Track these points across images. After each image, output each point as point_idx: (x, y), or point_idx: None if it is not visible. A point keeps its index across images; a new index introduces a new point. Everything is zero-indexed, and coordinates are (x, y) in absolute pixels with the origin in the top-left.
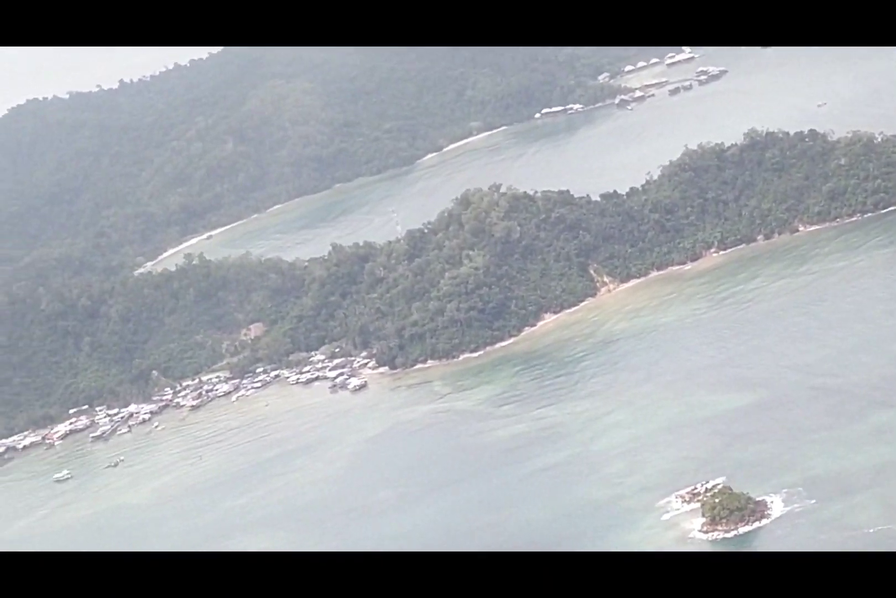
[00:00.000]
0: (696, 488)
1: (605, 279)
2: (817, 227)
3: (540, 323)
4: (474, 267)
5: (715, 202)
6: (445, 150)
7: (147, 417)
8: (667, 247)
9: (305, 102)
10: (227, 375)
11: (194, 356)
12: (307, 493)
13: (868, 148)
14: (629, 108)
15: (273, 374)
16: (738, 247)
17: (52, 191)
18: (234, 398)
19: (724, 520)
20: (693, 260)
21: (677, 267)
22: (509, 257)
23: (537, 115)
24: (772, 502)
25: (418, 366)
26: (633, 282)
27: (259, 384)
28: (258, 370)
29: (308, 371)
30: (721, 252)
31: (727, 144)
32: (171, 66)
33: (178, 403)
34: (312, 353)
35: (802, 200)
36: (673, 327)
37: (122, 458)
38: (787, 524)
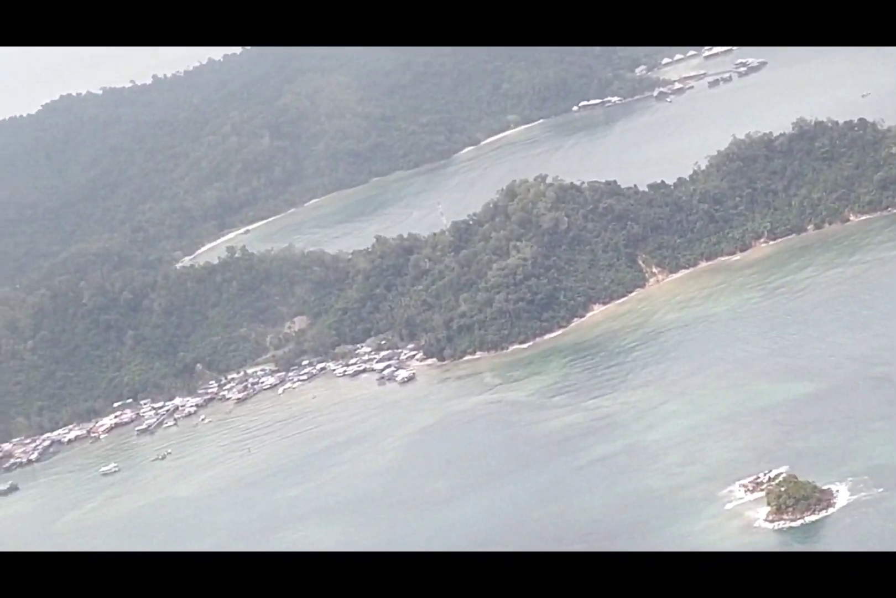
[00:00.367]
0: (758, 478)
1: (654, 270)
2: (868, 216)
3: (589, 314)
4: (522, 258)
5: (764, 192)
6: (482, 143)
7: (193, 410)
8: (716, 237)
9: (341, 96)
10: (273, 367)
11: (238, 349)
12: (360, 484)
13: None
14: (668, 100)
15: (319, 366)
16: (788, 237)
17: (87, 187)
18: (280, 391)
19: (789, 509)
20: (742, 250)
21: (726, 257)
22: (557, 248)
23: (575, 108)
24: (837, 491)
25: (467, 357)
26: (681, 272)
27: (305, 377)
28: (304, 363)
29: (354, 364)
30: (771, 242)
31: (774, 134)
32: (204, 62)
33: (223, 396)
34: (358, 345)
35: (853, 190)
36: (724, 318)
37: (169, 451)
38: (854, 513)
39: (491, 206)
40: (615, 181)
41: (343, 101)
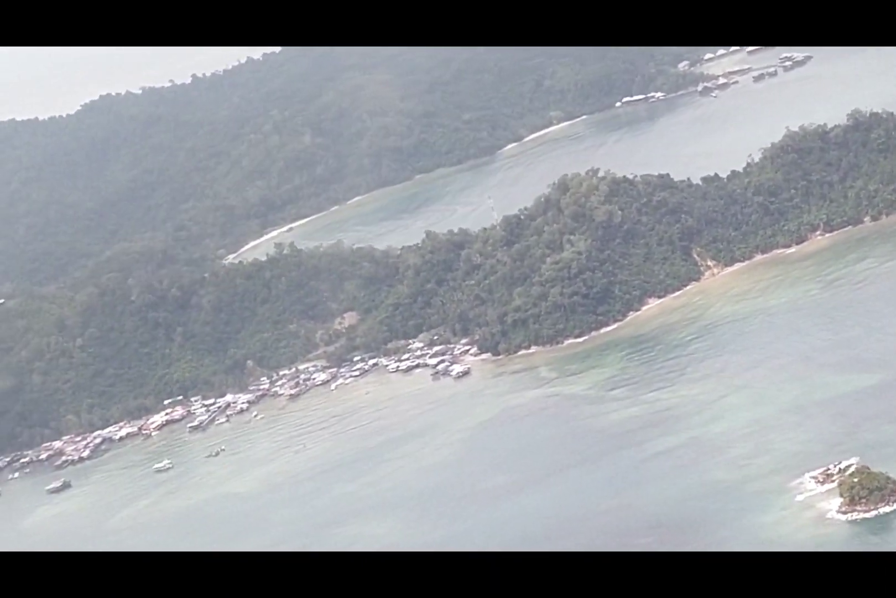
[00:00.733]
0: (828, 469)
1: (709, 263)
2: None
3: (644, 307)
4: (577, 252)
5: (819, 184)
6: (526, 139)
7: (245, 406)
8: (771, 230)
9: (383, 93)
10: (324, 364)
11: (288, 346)
12: (418, 479)
13: None
14: (713, 95)
15: (371, 362)
16: (845, 229)
17: (127, 186)
18: (332, 387)
19: (863, 500)
20: (798, 243)
21: (782, 250)
22: (611, 242)
23: (618, 103)
24: None
25: (522, 352)
26: (737, 265)
27: (357, 373)
28: (356, 359)
29: (407, 359)
30: (827, 234)
31: (828, 127)
32: (243, 61)
33: (275, 392)
34: (410, 341)
35: None
36: (782, 310)
37: (223, 447)
38: None
39: (542, 200)
40: (668, 174)
41: (385, 98)
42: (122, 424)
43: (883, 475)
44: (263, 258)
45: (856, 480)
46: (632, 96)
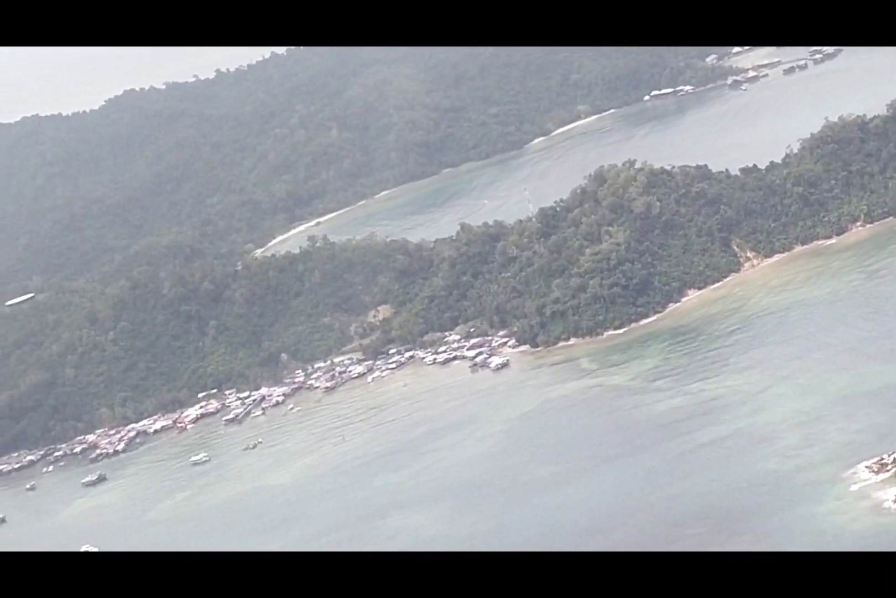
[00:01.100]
0: (882, 459)
1: (749, 254)
2: None
3: (684, 299)
4: (615, 243)
5: (860, 175)
6: (553, 133)
7: (280, 399)
8: (811, 221)
9: (409, 87)
10: (359, 356)
11: (323, 339)
12: (462, 470)
13: None
14: (743, 88)
15: (407, 355)
16: (886, 220)
17: (152, 181)
18: (369, 379)
19: None
20: (838, 234)
21: (822, 241)
22: (650, 233)
23: (646, 97)
24: None
25: (561, 344)
26: (777, 257)
27: (394, 365)
28: (391, 351)
29: (444, 351)
30: (867, 225)
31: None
32: (267, 56)
33: (311, 385)
34: (447, 333)
35: None
36: (824, 301)
37: (260, 440)
38: None
39: (578, 191)
40: (706, 165)
41: (411, 92)
42: (156, 417)
43: None
44: (294, 252)
45: None
46: (660, 90)
